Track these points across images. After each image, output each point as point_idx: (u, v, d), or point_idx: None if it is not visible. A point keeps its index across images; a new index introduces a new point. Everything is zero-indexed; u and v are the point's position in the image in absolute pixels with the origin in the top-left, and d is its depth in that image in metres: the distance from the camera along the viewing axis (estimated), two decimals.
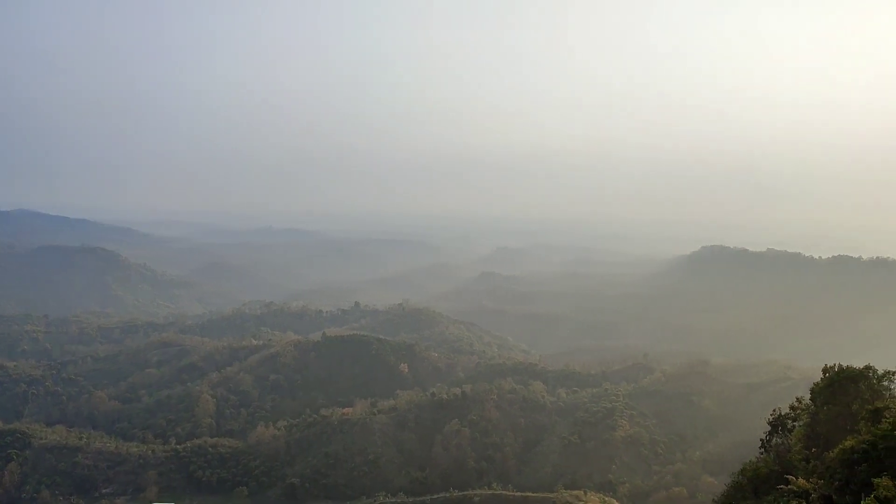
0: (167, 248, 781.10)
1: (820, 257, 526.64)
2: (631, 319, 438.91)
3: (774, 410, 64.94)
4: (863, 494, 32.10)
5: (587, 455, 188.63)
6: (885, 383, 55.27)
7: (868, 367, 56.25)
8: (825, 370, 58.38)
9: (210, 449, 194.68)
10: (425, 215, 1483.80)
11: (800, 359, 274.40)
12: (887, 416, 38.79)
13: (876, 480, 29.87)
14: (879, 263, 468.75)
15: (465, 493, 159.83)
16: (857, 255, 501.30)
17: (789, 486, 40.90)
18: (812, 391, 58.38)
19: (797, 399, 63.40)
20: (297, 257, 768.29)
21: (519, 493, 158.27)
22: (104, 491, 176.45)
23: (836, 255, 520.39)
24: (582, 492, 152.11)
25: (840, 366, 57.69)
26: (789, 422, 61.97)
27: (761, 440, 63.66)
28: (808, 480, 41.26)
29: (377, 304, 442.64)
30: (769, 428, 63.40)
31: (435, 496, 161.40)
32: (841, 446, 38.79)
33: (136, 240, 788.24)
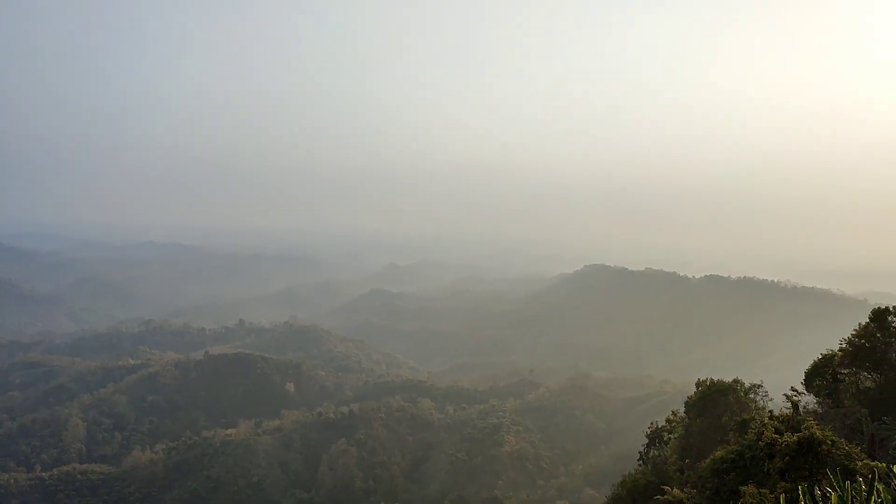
0: (36, 262, 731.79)
1: (693, 276, 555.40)
2: (518, 336, 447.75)
3: (652, 423, 67.57)
4: (731, 502, 33.68)
5: (474, 471, 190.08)
6: (752, 396, 58.67)
7: (736, 381, 59.54)
8: (698, 384, 61.33)
9: (79, 476, 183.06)
10: (315, 231, 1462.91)
11: (676, 373, 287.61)
12: (753, 426, 40.95)
13: (743, 488, 31.34)
14: (746, 283, 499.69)
15: None
16: (726, 275, 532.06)
17: (665, 497, 42.39)
18: (686, 404, 61.15)
19: (672, 412, 66.27)
20: (179, 273, 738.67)
21: None
22: None
23: (707, 274, 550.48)
24: None
25: (711, 380, 60.73)
26: (665, 434, 64.65)
27: (640, 452, 66.07)
28: (682, 490, 42.92)
29: (263, 321, 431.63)
30: (647, 440, 65.88)
31: None
32: (712, 457, 40.59)
33: None
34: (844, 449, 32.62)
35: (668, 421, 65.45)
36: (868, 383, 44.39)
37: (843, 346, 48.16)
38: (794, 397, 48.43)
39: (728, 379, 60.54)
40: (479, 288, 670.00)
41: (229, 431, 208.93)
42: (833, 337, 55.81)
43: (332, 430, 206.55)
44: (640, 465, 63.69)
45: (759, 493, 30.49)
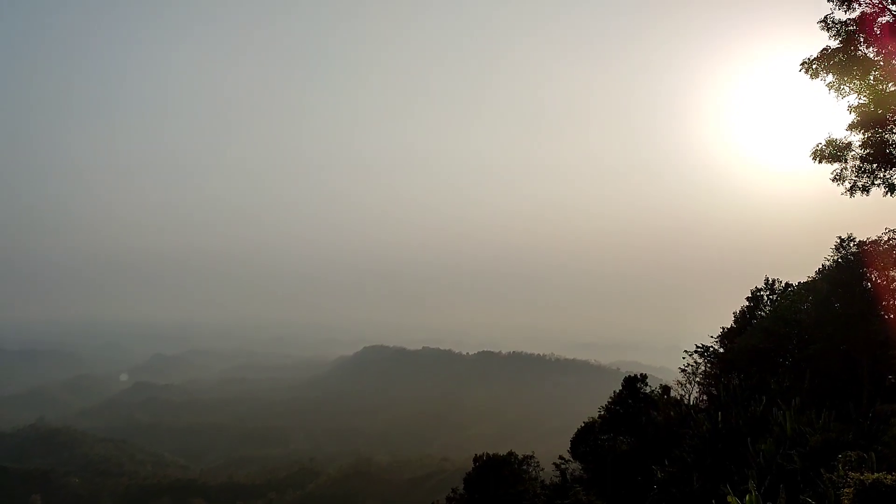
0: None
1: (467, 353, 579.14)
2: (297, 424, 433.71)
3: (433, 503, 67.79)
4: None
5: None
6: (525, 467, 61.15)
7: (510, 454, 61.81)
8: (475, 459, 62.85)
9: None
10: (65, 321, 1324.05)
11: (455, 449, 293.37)
12: (527, 498, 42.56)
13: None
14: (516, 357, 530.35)
15: None
16: (497, 350, 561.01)
17: None
18: (465, 480, 62.31)
19: (452, 490, 67.08)
20: None
21: None
22: None
23: (480, 350, 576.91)
24: None
25: (487, 454, 62.57)
26: None
27: None
28: None
29: (3, 427, 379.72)
30: None
31: None
32: None
33: None
34: None
35: (448, 499, 66.04)
36: (624, 447, 48.11)
37: (602, 412, 52.10)
38: (563, 465, 51.28)
39: (503, 452, 62.71)
40: (254, 376, 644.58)
41: None
42: (594, 404, 60.22)
43: None
44: None
45: None
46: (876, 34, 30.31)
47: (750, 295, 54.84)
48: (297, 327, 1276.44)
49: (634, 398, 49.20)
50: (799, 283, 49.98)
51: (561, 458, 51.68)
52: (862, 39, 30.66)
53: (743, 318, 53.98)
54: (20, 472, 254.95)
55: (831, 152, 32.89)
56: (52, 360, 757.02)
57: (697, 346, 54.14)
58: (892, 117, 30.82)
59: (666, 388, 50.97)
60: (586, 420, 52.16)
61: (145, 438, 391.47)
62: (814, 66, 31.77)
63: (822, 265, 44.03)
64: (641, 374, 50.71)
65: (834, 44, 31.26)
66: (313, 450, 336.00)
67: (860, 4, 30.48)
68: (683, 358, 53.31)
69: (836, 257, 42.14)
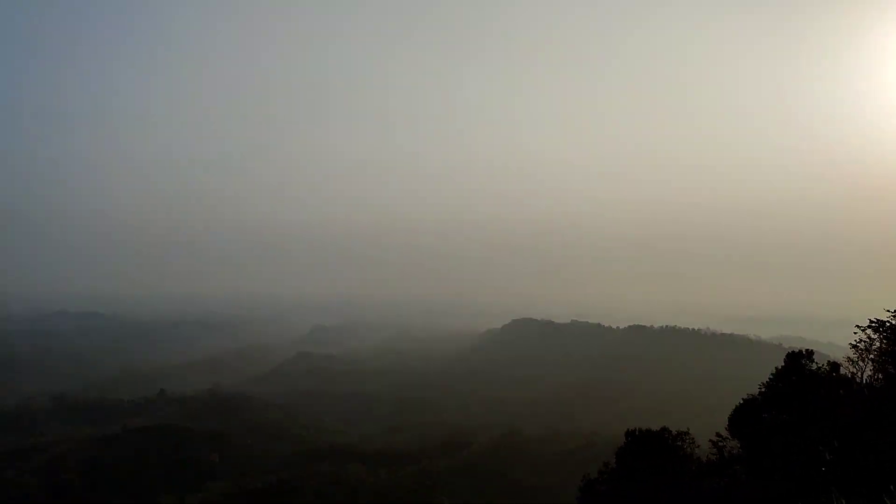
0: None
1: (617, 327, 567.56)
2: (448, 394, 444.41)
3: (584, 476, 67.69)
4: None
5: None
6: (679, 443, 59.69)
7: (664, 429, 60.56)
8: (627, 433, 62.13)
9: None
10: (237, 295, 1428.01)
11: (605, 423, 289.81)
12: (681, 474, 41.61)
13: None
14: (669, 331, 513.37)
15: None
16: (649, 324, 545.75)
17: None
18: (617, 454, 61.79)
19: (604, 464, 66.69)
20: (94, 343, 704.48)
21: None
22: None
23: (631, 324, 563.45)
24: None
25: (640, 429, 61.64)
26: (598, 486, 64.78)
27: None
28: None
29: (185, 390, 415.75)
30: (580, 494, 65.87)
31: None
32: None
33: None
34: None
35: (600, 472, 65.74)
36: (787, 426, 45.76)
37: (763, 389, 49.77)
38: (721, 443, 49.61)
39: (656, 427, 61.52)
40: (407, 347, 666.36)
41: None
42: (752, 381, 57.55)
43: (260, 499, 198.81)
44: None
45: None
46: None
47: None
48: (446, 300, 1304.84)
49: (799, 375, 46.58)
50: None
51: (718, 435, 49.92)
52: None
53: None
54: (201, 431, 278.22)
55: None
56: (225, 330, 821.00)
57: (871, 321, 50.07)
58: None
59: (834, 365, 47.78)
60: (745, 397, 50.00)
61: (308, 405, 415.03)
62: None
63: None
64: (807, 350, 47.87)
65: None
66: (464, 419, 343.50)
67: None
68: (855, 333, 49.47)
69: None
